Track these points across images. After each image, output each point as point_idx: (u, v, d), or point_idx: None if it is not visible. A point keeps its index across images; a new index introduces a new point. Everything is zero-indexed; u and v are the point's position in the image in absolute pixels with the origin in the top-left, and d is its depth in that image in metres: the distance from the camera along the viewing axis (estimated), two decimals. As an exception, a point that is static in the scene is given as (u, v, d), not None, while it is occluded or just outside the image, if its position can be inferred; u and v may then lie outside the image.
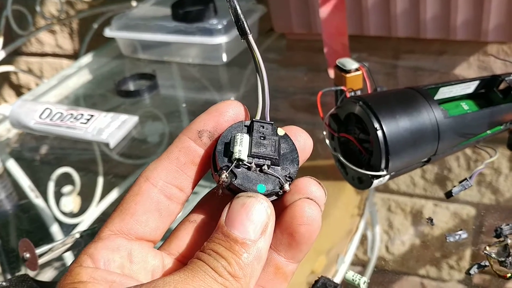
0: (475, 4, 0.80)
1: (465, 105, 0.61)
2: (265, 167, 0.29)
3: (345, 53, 0.82)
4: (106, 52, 1.07)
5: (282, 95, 0.87)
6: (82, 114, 0.80)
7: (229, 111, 0.30)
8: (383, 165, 0.52)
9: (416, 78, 0.86)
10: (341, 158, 0.57)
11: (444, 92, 0.59)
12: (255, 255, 0.26)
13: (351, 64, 0.67)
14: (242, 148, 0.29)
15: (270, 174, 0.29)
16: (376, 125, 0.51)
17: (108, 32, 0.99)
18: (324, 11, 0.79)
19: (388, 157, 0.51)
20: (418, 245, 0.59)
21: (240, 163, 0.28)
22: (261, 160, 0.29)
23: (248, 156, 0.29)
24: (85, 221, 0.66)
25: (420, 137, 0.52)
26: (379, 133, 0.51)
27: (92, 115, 0.79)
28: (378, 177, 0.53)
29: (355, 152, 0.57)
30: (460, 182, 0.54)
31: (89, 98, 0.95)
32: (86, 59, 1.06)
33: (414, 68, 0.89)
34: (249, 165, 0.29)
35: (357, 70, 0.67)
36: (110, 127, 0.77)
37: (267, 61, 0.96)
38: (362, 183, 0.55)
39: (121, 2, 1.15)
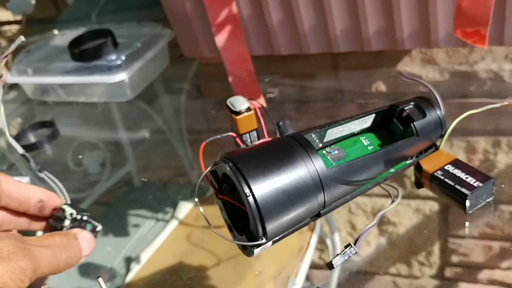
0: (385, 13, 0.74)
1: (365, 140, 0.55)
2: None
3: (252, 80, 0.76)
4: (14, 98, 1.00)
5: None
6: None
7: None
8: (260, 233, 0.45)
9: (329, 102, 0.81)
10: (216, 232, 0.50)
11: (335, 133, 0.53)
12: None
13: (241, 104, 0.61)
14: None
15: None
16: (246, 190, 0.44)
17: (9, 78, 0.92)
18: (220, 39, 0.72)
19: (263, 224, 0.45)
20: (384, 244, 0.58)
21: None
22: None
23: None
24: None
25: (298, 195, 0.46)
26: (250, 199, 0.44)
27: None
28: (259, 245, 0.46)
29: (241, 212, 0.51)
30: (344, 248, 0.48)
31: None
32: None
33: (330, 89, 0.84)
34: None
35: (248, 109, 0.61)
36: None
37: (176, 93, 0.91)
38: (246, 250, 0.49)
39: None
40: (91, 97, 0.90)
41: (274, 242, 0.48)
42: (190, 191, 0.70)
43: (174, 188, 0.72)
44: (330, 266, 0.47)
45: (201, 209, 0.51)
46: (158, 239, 0.64)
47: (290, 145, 0.48)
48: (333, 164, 0.50)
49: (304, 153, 0.47)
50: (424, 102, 0.55)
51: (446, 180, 0.52)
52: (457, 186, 0.51)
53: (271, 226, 0.45)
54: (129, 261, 0.62)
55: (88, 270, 0.61)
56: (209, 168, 0.50)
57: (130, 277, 0.60)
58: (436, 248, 0.56)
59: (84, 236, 0.46)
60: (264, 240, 0.46)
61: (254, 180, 0.44)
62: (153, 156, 0.80)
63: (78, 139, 0.89)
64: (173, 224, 0.66)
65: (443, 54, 0.80)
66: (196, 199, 0.53)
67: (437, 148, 0.55)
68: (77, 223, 0.53)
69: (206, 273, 0.57)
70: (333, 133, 0.53)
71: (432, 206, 0.59)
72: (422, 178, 0.54)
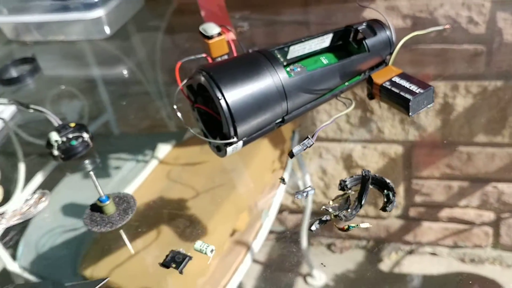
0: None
1: (324, 59, 0.61)
2: None
3: (223, 15, 0.80)
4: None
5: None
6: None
7: None
8: (232, 133, 0.52)
9: (297, 32, 0.86)
10: (191, 131, 0.57)
11: (297, 50, 0.59)
12: None
13: (213, 29, 0.66)
14: None
15: None
16: (218, 94, 0.50)
17: (-14, 17, 0.95)
18: (192, -27, 0.77)
19: (234, 124, 0.51)
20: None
21: None
22: None
23: None
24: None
25: (265, 101, 0.52)
26: (222, 102, 0.50)
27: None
28: (231, 144, 0.53)
29: (215, 121, 0.57)
30: (303, 140, 0.55)
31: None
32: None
33: (298, 22, 0.88)
34: None
35: (219, 34, 0.66)
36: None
37: (151, 30, 0.94)
38: (220, 151, 0.55)
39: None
40: (69, 35, 0.93)
41: (244, 143, 0.54)
42: (167, 137, 0.73)
43: (153, 135, 0.74)
44: (291, 154, 0.54)
45: (179, 114, 0.57)
46: (139, 178, 0.66)
47: (257, 58, 0.54)
48: (294, 75, 0.56)
49: (269, 65, 0.53)
50: (375, 24, 0.61)
51: (393, 89, 0.59)
52: (401, 93, 0.58)
53: (241, 127, 0.52)
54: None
55: (72, 210, 0.63)
56: (185, 81, 0.56)
57: None
58: (401, 190, 0.58)
59: None
60: (235, 139, 0.52)
61: (226, 86, 0.51)
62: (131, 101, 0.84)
63: (58, 76, 0.91)
64: (153, 164, 0.68)
65: (405, 1, 0.84)
66: (175, 106, 0.58)
67: (386, 64, 0.62)
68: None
69: (186, 205, 0.60)
70: (295, 50, 0.59)
71: (396, 149, 0.63)
72: (373, 90, 0.61)
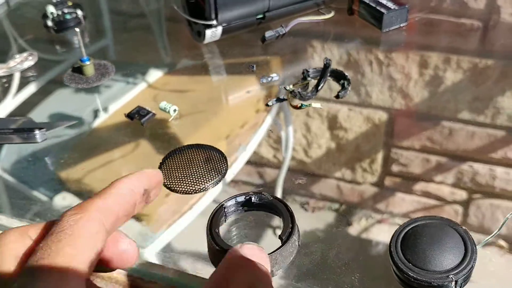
0: None
1: None
2: None
3: None
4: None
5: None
6: None
7: None
8: (212, 15, 0.55)
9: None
10: (181, 13, 0.60)
11: None
12: None
13: None
14: None
15: None
16: None
17: None
18: None
19: (216, 6, 0.54)
20: (334, 149, 0.61)
21: None
22: None
23: None
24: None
25: None
26: None
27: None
28: (210, 26, 0.56)
29: (201, 10, 0.59)
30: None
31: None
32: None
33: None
34: None
35: None
36: None
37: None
38: (200, 36, 0.58)
39: None
40: None
41: (224, 32, 0.56)
42: (160, 65, 0.75)
43: (147, 65, 0.76)
44: (262, 39, 0.57)
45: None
46: (126, 96, 0.69)
47: None
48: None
49: None
50: None
51: (370, 3, 0.68)
52: (377, 7, 0.67)
53: (222, 10, 0.55)
54: (96, 112, 0.67)
55: (60, 119, 0.64)
56: None
57: (96, 124, 0.65)
58: (379, 157, 0.59)
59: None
60: (215, 22, 0.54)
61: None
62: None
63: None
64: (142, 86, 0.71)
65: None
66: None
67: None
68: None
69: (166, 125, 0.62)
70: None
71: (381, 116, 0.63)
72: (353, 6, 0.69)
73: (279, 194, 0.55)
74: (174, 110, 0.59)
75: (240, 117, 0.64)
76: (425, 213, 0.52)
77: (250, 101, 0.65)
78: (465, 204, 0.53)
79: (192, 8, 0.61)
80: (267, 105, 0.56)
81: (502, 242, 0.45)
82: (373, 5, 0.67)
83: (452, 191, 0.54)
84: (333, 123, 0.63)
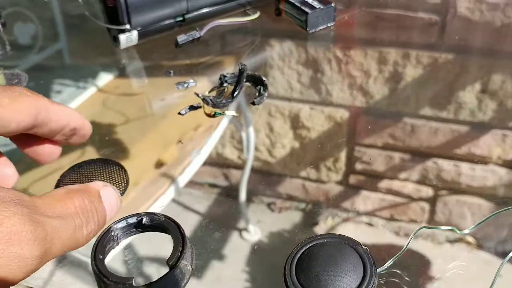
0: None
1: None
2: None
3: None
4: None
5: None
6: None
7: None
8: (125, 19, 0.53)
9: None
10: (89, 16, 0.59)
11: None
12: None
13: None
14: None
15: None
16: None
17: None
18: None
19: (128, 10, 0.52)
20: (297, 148, 0.60)
21: None
22: None
23: None
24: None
25: None
26: None
27: None
28: (123, 31, 0.54)
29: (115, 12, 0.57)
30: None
31: None
32: None
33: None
34: None
35: None
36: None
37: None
38: (116, 41, 0.56)
39: None
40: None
41: (141, 36, 0.55)
42: (110, 68, 0.72)
43: (97, 66, 0.73)
44: (176, 43, 0.56)
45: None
46: (75, 102, 0.66)
47: None
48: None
49: None
50: None
51: (296, 3, 0.65)
52: (302, 7, 0.64)
53: (135, 14, 0.53)
54: None
55: None
56: None
57: None
58: (343, 155, 0.58)
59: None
60: (128, 27, 0.53)
61: None
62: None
63: None
64: (92, 90, 0.68)
65: None
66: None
67: None
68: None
69: (114, 130, 0.60)
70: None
71: (342, 114, 0.62)
72: (280, 5, 0.67)
73: (243, 195, 0.54)
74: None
75: (192, 121, 0.63)
76: (391, 211, 0.52)
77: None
78: (432, 201, 0.53)
79: (110, 13, 0.58)
80: (179, 113, 0.54)
81: (469, 239, 0.45)
82: (298, 4, 0.64)
83: (417, 188, 0.53)
84: (295, 123, 0.62)
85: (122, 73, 0.71)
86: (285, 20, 0.68)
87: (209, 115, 0.53)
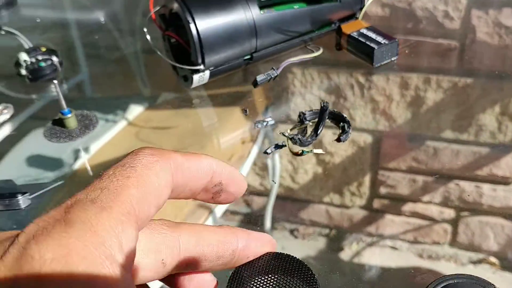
0: None
1: (296, 6, 0.62)
2: None
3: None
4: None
5: None
6: None
7: None
8: (199, 60, 0.53)
9: None
10: (165, 58, 0.59)
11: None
12: None
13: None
14: None
15: None
16: (189, 18, 0.52)
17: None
18: None
19: (202, 51, 0.52)
20: (320, 174, 0.60)
21: None
22: None
23: None
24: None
25: (235, 33, 0.54)
26: (192, 26, 0.52)
27: None
28: (197, 71, 0.54)
29: (184, 52, 0.58)
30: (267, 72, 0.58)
31: None
32: None
33: None
34: None
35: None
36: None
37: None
38: (187, 81, 0.57)
39: None
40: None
41: (212, 75, 0.56)
42: (140, 100, 0.73)
43: (126, 98, 0.74)
44: (254, 83, 0.57)
45: (148, 37, 0.58)
46: (107, 135, 0.66)
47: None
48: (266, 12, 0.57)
49: (243, 0, 0.55)
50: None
51: (360, 38, 0.64)
52: (367, 42, 0.63)
53: (209, 54, 0.53)
54: (77, 152, 0.65)
55: (38, 161, 0.62)
56: (158, 8, 0.57)
57: (77, 165, 0.63)
58: (367, 180, 0.59)
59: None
60: (202, 67, 0.54)
61: (197, 11, 0.53)
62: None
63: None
64: (123, 124, 0.68)
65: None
66: (145, 29, 0.59)
67: (356, 18, 0.66)
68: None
69: None
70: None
71: (366, 138, 0.62)
72: (341, 40, 0.65)
73: (268, 221, 0.55)
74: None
75: (226, 150, 0.63)
76: (415, 234, 0.52)
77: (236, 133, 0.64)
78: (454, 222, 0.53)
79: (175, 50, 0.59)
80: (265, 152, 0.55)
81: (492, 259, 0.45)
82: (362, 40, 0.64)
83: (440, 210, 0.54)
84: (318, 148, 0.63)
85: (152, 104, 0.72)
86: (346, 55, 0.68)
87: (296, 154, 0.53)
